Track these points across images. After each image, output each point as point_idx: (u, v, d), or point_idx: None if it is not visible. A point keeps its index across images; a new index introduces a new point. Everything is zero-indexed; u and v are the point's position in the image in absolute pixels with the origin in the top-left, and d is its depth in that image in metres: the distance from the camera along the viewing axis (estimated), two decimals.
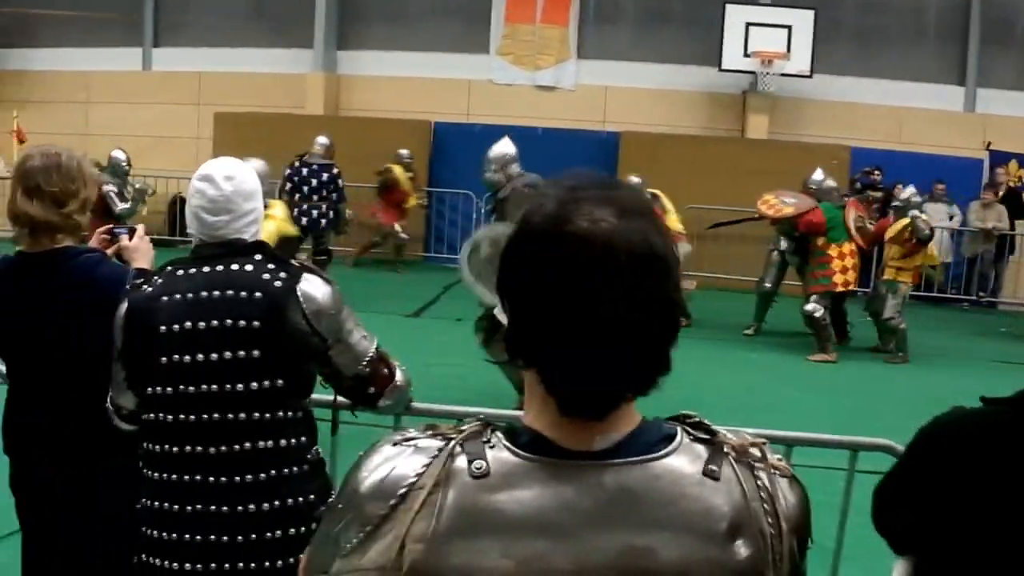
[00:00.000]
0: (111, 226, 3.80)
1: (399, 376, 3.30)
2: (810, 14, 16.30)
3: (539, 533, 1.42)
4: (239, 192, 3.06)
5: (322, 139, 13.42)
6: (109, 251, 3.64)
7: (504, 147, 8.90)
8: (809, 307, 11.38)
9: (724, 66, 16.44)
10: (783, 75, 16.39)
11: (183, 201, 14.04)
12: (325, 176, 12.96)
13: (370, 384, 3.22)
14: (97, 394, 3.22)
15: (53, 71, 18.97)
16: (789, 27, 16.30)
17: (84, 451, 3.38)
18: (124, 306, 3.03)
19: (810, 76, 16.39)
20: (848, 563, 4.12)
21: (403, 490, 1.46)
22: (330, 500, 1.70)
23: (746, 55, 16.29)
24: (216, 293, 2.97)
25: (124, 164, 12.98)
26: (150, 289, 3.01)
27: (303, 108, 17.48)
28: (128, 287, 3.10)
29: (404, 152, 15.42)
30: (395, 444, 1.53)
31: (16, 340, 3.51)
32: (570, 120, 16.55)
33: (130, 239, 3.69)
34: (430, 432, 1.53)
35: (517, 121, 16.32)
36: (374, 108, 17.42)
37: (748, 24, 16.31)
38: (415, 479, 1.46)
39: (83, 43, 18.87)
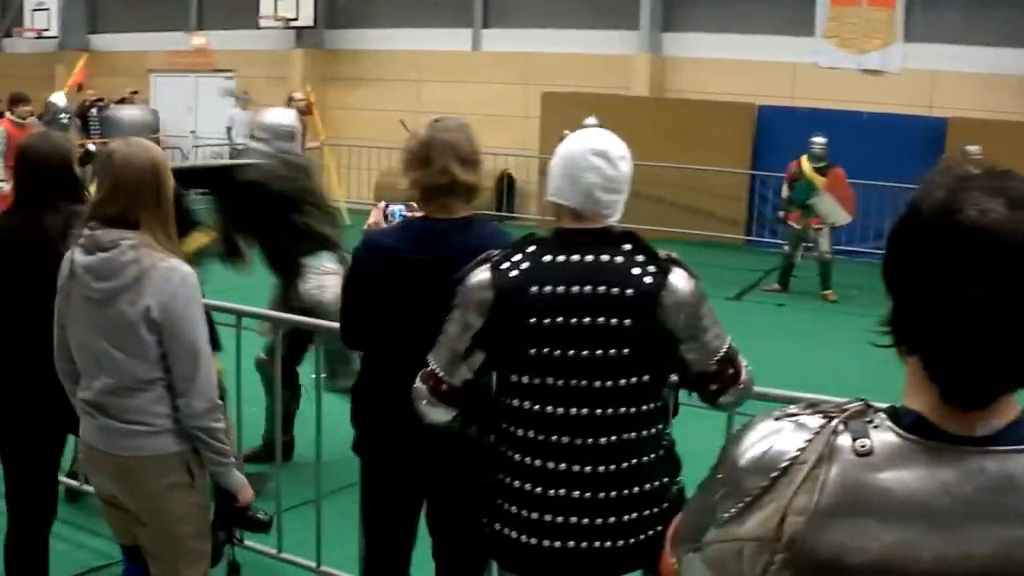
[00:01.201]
0: (386, 202, 3.95)
1: (744, 376, 3.22)
2: None
3: (919, 516, 1.41)
4: (630, 173, 3.09)
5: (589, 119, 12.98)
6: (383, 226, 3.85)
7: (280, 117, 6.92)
8: None
9: None
10: None
11: (510, 178, 14.72)
12: None
13: (713, 382, 3.18)
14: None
15: (387, 51, 19.98)
16: None
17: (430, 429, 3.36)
18: (488, 288, 3.03)
19: None
20: None
21: (785, 464, 1.48)
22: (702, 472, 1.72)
23: None
24: (588, 288, 2.96)
25: None
26: (516, 274, 3.00)
27: (628, 89, 17.80)
28: (490, 268, 3.06)
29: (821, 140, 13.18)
30: (776, 419, 1.56)
31: (403, 303, 3.57)
32: (896, 105, 16.16)
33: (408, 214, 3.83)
34: (811, 409, 1.55)
35: (841, 105, 16.23)
36: (698, 90, 17.50)
37: None
38: (797, 454, 1.48)
39: (416, 24, 19.76)
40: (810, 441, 1.50)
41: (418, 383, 3.23)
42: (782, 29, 17.28)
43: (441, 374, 3.17)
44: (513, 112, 18.22)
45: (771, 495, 1.49)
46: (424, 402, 3.23)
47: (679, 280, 3.00)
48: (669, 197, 16.29)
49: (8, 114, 12.10)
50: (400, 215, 3.80)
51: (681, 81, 18.05)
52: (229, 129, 19.72)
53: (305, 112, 15.05)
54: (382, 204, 3.96)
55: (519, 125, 18.00)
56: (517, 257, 3.04)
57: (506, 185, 18.02)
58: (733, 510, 1.53)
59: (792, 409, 1.58)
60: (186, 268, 3.51)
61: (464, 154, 3.51)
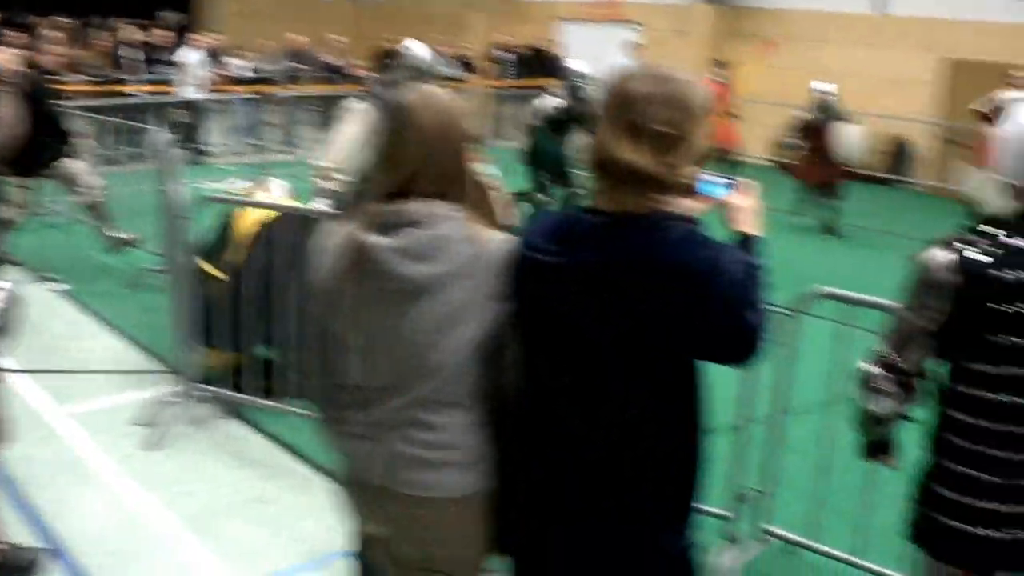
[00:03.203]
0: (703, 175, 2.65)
1: None
2: None
3: None
4: None
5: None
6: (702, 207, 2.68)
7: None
8: None
9: None
10: None
11: (902, 145, 16.00)
12: None
13: None
14: None
15: (790, 9, 20.05)
16: None
17: None
18: (954, 271, 2.83)
19: None
20: None
21: None
22: None
23: None
24: None
25: (832, 97, 13.45)
26: (985, 259, 2.80)
27: None
28: (953, 250, 2.83)
29: None
30: None
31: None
32: None
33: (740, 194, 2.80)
34: None
35: None
36: None
37: None
38: None
39: None
40: None
41: (871, 367, 3.11)
42: None
43: (895, 359, 3.05)
44: (913, 78, 17.92)
45: None
46: (872, 390, 3.11)
47: None
48: None
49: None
50: (721, 190, 2.78)
51: None
52: None
53: None
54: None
55: (919, 92, 17.71)
56: (980, 239, 2.85)
57: (900, 152, 17.94)
58: None
59: None
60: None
61: (629, 119, 2.48)
